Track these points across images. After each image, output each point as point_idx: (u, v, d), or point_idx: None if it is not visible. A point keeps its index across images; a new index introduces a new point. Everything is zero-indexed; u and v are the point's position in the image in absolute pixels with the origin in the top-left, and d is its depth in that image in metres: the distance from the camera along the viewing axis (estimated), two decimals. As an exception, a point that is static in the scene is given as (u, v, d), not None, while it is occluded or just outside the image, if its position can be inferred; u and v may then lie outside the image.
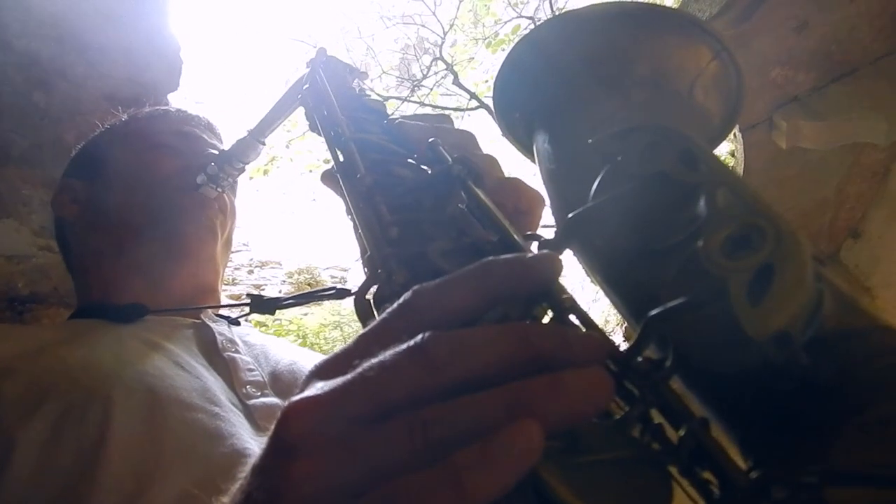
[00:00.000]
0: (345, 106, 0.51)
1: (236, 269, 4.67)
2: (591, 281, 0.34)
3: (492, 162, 0.49)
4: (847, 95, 2.35)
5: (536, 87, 0.38)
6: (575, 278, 2.99)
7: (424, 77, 5.20)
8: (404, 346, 0.25)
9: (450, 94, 5.08)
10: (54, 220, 0.93)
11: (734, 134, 2.56)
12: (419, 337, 0.25)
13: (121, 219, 0.84)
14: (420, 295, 0.28)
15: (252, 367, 0.73)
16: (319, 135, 0.52)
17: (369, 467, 0.24)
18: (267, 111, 0.73)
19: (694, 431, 0.25)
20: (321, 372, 0.28)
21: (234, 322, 0.85)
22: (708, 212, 0.26)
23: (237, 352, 0.75)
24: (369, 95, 0.56)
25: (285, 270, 4.98)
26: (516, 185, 0.48)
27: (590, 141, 0.30)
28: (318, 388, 0.26)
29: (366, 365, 0.26)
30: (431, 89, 5.14)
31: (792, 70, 2.34)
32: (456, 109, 4.75)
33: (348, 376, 0.26)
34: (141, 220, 0.83)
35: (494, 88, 0.40)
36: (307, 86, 0.57)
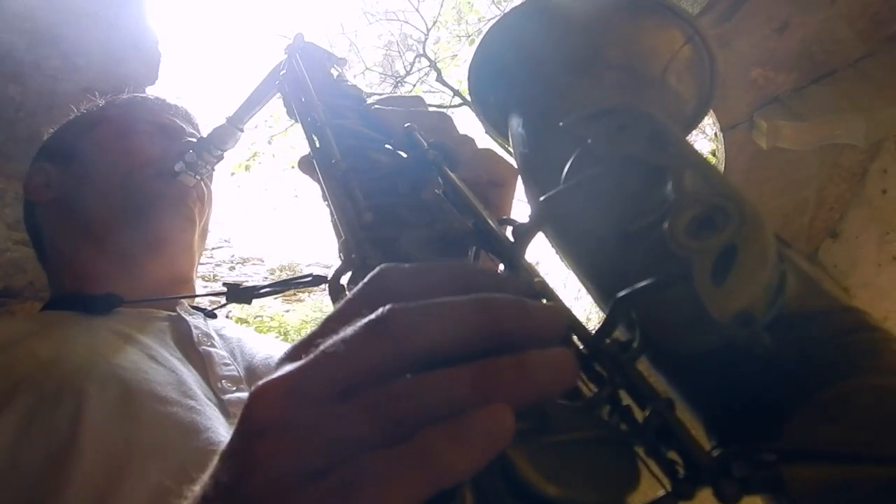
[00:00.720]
0: (322, 92, 0.50)
1: (217, 265, 4.62)
2: (565, 265, 0.34)
3: (466, 140, 0.49)
4: (827, 96, 2.38)
5: (509, 70, 0.38)
6: (558, 277, 3.00)
7: (407, 74, 5.19)
8: (365, 319, 0.25)
9: (433, 91, 5.08)
10: (24, 204, 0.91)
11: (715, 134, 2.58)
12: (379, 310, 0.25)
13: (97, 206, 0.83)
14: (386, 272, 0.28)
15: (227, 361, 0.73)
16: (296, 121, 0.51)
17: (335, 445, 0.24)
18: (245, 98, 0.73)
19: (659, 412, 0.26)
20: (289, 357, 0.28)
21: (211, 314, 0.84)
22: (675, 193, 0.26)
23: (213, 346, 0.75)
24: (347, 81, 0.55)
25: (267, 267, 4.94)
26: (491, 157, 0.48)
27: (560, 124, 0.30)
28: (283, 370, 0.26)
29: (328, 342, 0.26)
30: (414, 86, 5.12)
31: (773, 71, 2.36)
32: (439, 107, 4.75)
33: (311, 356, 0.26)
34: (118, 208, 0.82)
35: (469, 74, 0.40)
36: (284, 71, 0.57)
